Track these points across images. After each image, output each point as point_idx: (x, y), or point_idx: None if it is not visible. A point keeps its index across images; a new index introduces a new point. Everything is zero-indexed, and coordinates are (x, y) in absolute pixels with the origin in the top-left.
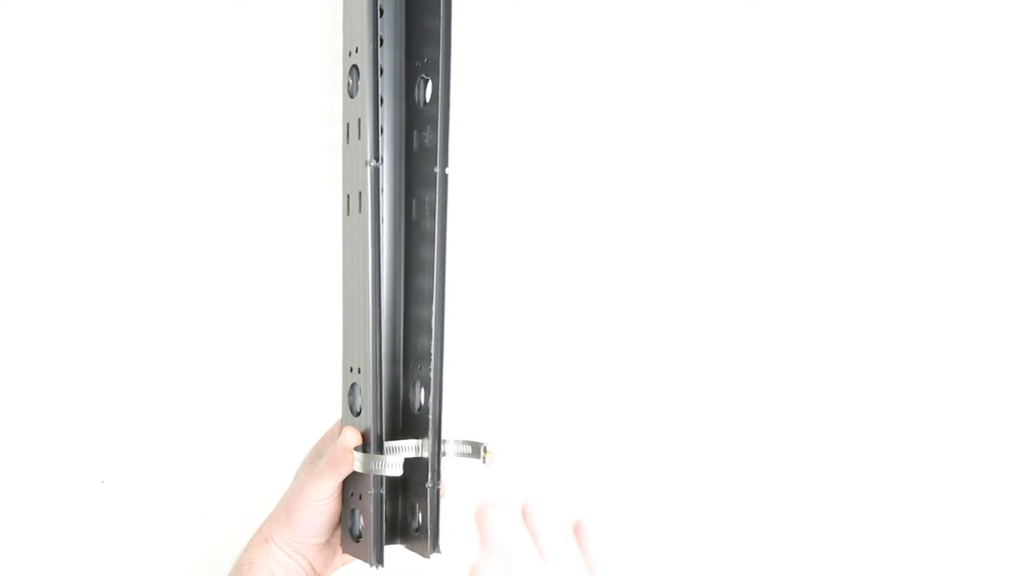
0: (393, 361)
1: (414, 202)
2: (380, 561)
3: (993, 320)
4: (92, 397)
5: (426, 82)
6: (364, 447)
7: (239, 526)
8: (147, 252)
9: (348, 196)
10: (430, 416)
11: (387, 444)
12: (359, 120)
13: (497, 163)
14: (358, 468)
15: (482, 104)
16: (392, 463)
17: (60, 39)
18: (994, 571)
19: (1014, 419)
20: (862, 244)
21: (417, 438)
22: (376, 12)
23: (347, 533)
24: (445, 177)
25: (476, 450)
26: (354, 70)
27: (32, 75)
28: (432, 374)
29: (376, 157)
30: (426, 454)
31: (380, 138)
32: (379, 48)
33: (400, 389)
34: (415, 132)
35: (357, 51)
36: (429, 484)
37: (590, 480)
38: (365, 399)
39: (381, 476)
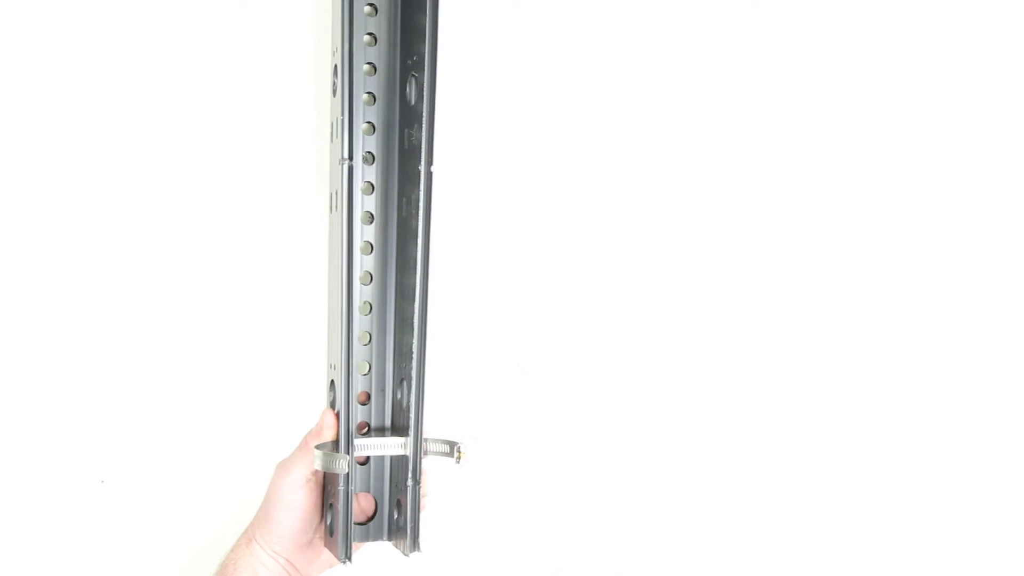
0: (382, 357)
1: (404, 200)
2: (347, 557)
3: (993, 320)
4: (92, 397)
5: (416, 80)
6: (336, 444)
7: (240, 525)
8: (146, 253)
9: (331, 194)
10: (411, 415)
11: (358, 441)
12: (338, 118)
13: (489, 161)
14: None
15: (477, 102)
16: (344, 462)
17: (54, 40)
18: (994, 571)
19: (1014, 419)
20: (862, 244)
21: (402, 435)
22: (350, 9)
23: (327, 529)
24: (430, 175)
25: (452, 449)
26: (336, 68)
27: (23, 78)
28: (414, 372)
29: (350, 155)
30: (399, 452)
31: (358, 136)
32: (357, 46)
33: (389, 385)
34: (406, 130)
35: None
36: (409, 482)
37: (572, 478)
38: (339, 396)
39: (347, 473)
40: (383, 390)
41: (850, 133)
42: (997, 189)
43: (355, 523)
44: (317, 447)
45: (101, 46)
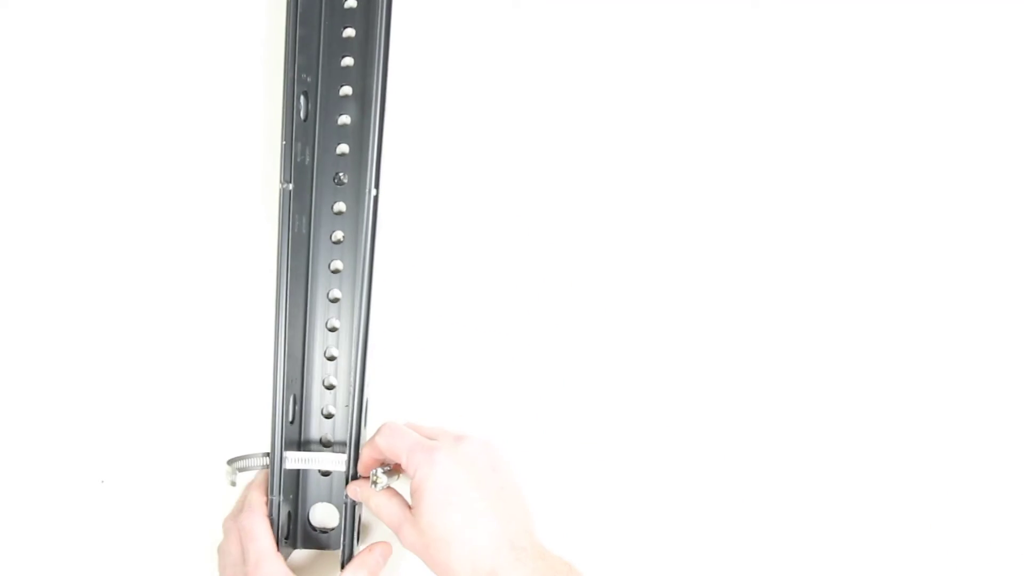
0: (346, 374)
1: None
2: None
3: (994, 321)
4: (92, 397)
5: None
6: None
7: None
8: (147, 255)
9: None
10: (349, 430)
11: (289, 454)
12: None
13: (488, 161)
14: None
15: (476, 102)
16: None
17: (37, 37)
18: (994, 571)
19: (1014, 419)
20: (863, 245)
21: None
22: (290, 33)
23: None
24: (375, 198)
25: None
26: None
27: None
28: (353, 387)
29: (287, 179)
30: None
31: (291, 160)
32: (330, 68)
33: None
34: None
35: None
36: (345, 499)
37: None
38: (274, 410)
39: (273, 483)
40: (347, 406)
41: (850, 134)
42: (998, 189)
43: (318, 530)
44: (231, 460)
45: (84, 47)
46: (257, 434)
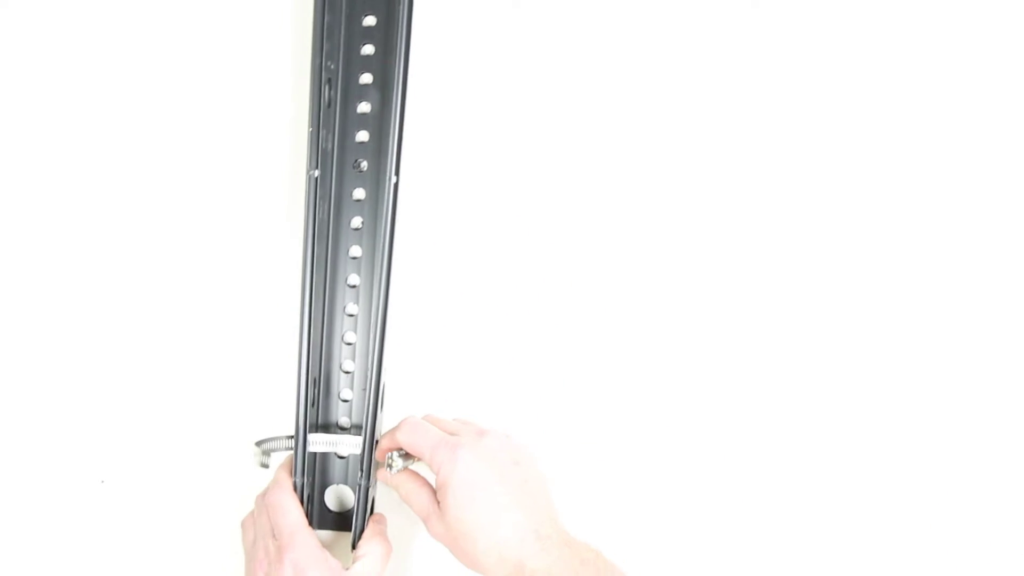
0: (365, 360)
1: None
2: None
3: (995, 321)
4: (92, 397)
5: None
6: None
7: (239, 526)
8: (147, 255)
9: None
10: (366, 414)
11: (311, 436)
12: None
13: (487, 162)
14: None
15: (475, 103)
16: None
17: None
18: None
19: (1014, 419)
20: (864, 246)
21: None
22: (318, 21)
23: None
24: (396, 185)
25: (390, 457)
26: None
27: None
28: (370, 372)
29: (315, 166)
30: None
31: (319, 148)
32: (352, 57)
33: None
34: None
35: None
36: (360, 482)
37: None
38: (296, 392)
39: (297, 465)
40: (364, 390)
41: (850, 135)
42: (998, 190)
43: (333, 512)
44: (260, 441)
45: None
46: (259, 423)
